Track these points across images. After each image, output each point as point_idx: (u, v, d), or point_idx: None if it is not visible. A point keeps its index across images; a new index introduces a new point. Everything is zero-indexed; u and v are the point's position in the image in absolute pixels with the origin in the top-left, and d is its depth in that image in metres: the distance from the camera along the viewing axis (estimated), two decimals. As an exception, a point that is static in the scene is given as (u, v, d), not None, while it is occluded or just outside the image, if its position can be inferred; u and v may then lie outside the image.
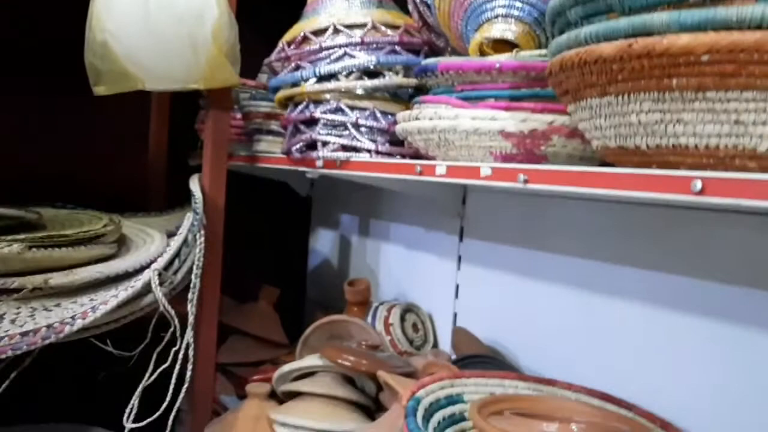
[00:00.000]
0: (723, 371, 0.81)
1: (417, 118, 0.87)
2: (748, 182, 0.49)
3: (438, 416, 0.82)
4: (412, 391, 0.83)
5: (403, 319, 1.26)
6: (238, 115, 1.45)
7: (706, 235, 0.84)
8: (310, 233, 1.87)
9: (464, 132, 0.80)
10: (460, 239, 1.29)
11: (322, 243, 1.82)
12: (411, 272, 1.44)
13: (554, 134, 0.77)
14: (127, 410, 0.95)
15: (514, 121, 0.78)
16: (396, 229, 1.52)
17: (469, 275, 1.27)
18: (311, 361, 1.10)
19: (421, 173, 0.89)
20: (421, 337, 1.27)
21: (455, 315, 1.29)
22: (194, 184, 1.17)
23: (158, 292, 0.96)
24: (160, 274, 0.99)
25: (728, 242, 0.81)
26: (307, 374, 1.12)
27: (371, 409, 1.08)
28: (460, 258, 1.29)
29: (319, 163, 1.04)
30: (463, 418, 0.84)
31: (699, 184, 0.51)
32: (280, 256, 1.83)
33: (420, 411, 0.78)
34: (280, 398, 1.14)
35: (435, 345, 1.31)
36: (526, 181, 0.71)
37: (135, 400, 0.95)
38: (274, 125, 1.43)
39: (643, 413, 0.85)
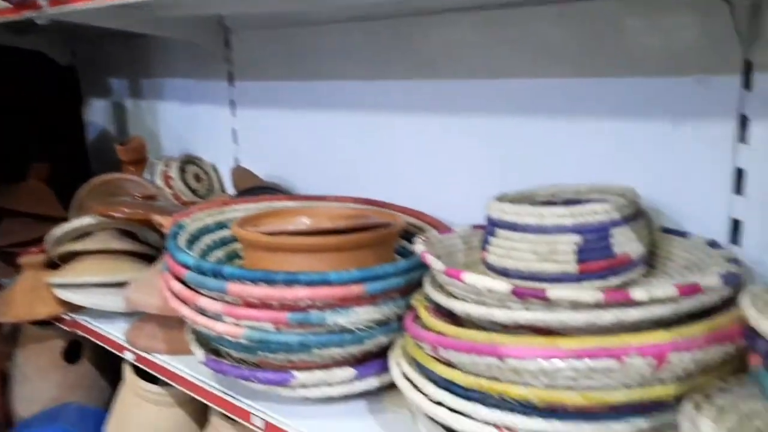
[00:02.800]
0: (491, 167, 0.89)
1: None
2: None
3: (206, 239, 0.84)
4: (176, 218, 0.83)
5: (183, 170, 1.24)
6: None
7: (449, 41, 0.90)
8: (82, 105, 1.73)
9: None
10: (231, 84, 1.26)
11: (97, 113, 1.70)
12: (189, 125, 1.41)
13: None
14: None
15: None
16: (168, 84, 1.45)
17: (246, 118, 1.26)
18: (82, 221, 1.06)
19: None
20: (205, 186, 1.26)
21: (237, 160, 1.29)
22: None
23: None
24: None
25: (470, 43, 0.88)
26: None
27: (157, 258, 1.07)
28: (233, 102, 1.27)
29: (44, 1, 0.94)
30: (233, 240, 0.86)
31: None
32: (50, 132, 1.68)
33: (184, 235, 0.79)
34: (59, 265, 1.10)
35: (222, 193, 1.32)
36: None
37: None
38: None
39: (404, 210, 0.92)
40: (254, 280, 0.65)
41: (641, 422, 0.51)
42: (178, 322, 0.85)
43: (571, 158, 0.80)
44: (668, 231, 0.69)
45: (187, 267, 0.69)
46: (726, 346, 0.48)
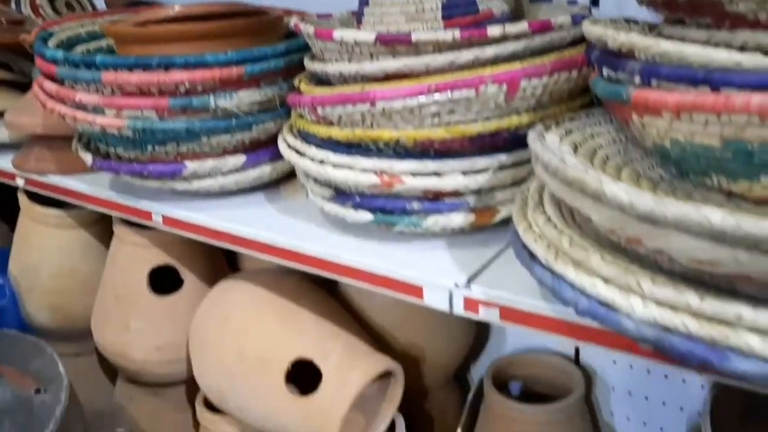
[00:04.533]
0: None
1: None
2: None
3: (79, 49, 0.80)
4: (45, 26, 0.79)
5: (52, -2, 1.15)
6: None
7: None
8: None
9: None
10: None
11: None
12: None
13: None
14: None
15: None
16: None
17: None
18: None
19: None
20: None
21: (110, -17, 1.21)
22: None
23: None
24: None
25: None
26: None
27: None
28: None
29: None
30: (111, 52, 0.83)
31: None
32: None
33: (53, 41, 0.76)
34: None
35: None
36: None
37: None
38: None
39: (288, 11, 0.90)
40: (129, 67, 0.64)
41: (503, 157, 0.56)
42: (65, 142, 0.84)
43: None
44: (535, 0, 0.72)
45: (57, 62, 0.67)
46: (572, 73, 0.53)
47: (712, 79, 0.35)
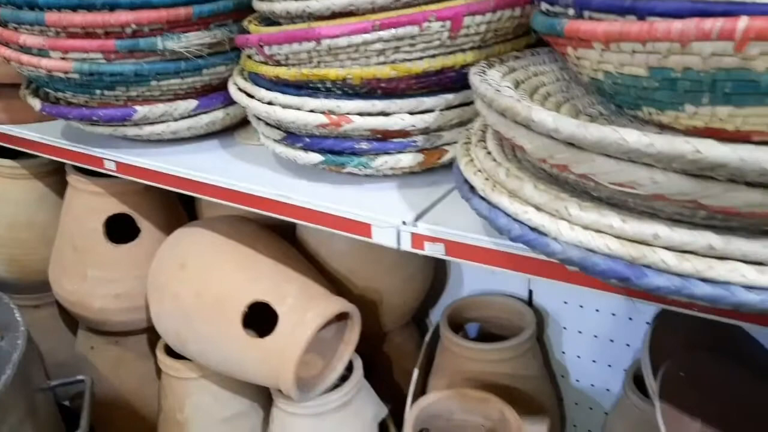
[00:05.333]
0: None
1: None
2: None
3: None
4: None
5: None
6: None
7: None
8: None
9: None
10: None
11: None
12: None
13: None
14: None
15: None
16: None
17: None
18: None
19: None
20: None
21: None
22: None
23: None
24: None
25: None
26: None
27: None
28: None
29: None
30: None
31: None
32: None
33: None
34: None
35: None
36: None
37: None
38: None
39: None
40: (73, 8, 0.62)
41: (450, 97, 0.57)
42: (14, 90, 0.82)
43: None
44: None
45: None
46: (515, 11, 0.53)
47: (637, 8, 0.36)
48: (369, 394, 0.83)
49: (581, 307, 0.92)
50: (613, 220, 0.36)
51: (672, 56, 0.36)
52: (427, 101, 0.56)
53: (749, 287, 0.32)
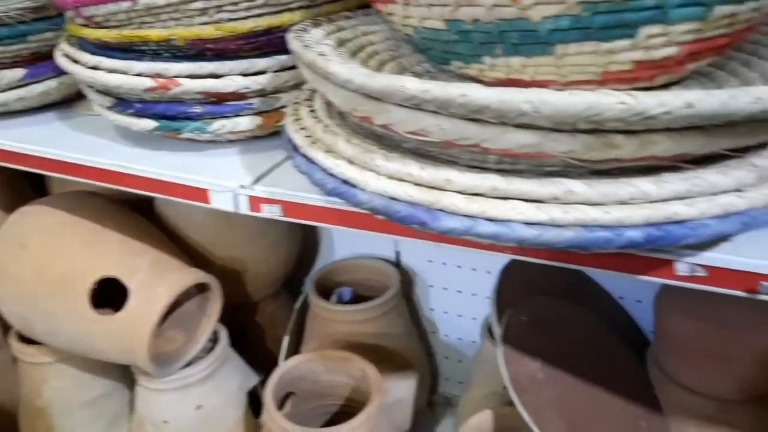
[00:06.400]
0: None
1: None
2: None
3: None
4: None
5: None
6: None
7: None
8: None
9: None
10: None
11: None
12: None
13: None
14: None
15: None
16: None
17: None
18: None
19: None
20: None
21: None
22: None
23: None
24: None
25: None
26: None
27: None
28: None
29: None
30: None
31: None
32: None
33: None
34: None
35: None
36: None
37: None
38: None
39: None
40: None
41: (284, 58, 0.56)
42: None
43: None
44: None
45: None
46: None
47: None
48: (236, 364, 0.82)
49: (444, 264, 0.96)
50: (412, 168, 0.37)
51: (461, 8, 0.37)
52: (260, 62, 0.55)
53: (528, 223, 0.34)
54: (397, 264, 0.98)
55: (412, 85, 0.32)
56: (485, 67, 0.42)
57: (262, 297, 0.94)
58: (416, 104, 0.34)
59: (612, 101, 0.29)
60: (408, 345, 0.90)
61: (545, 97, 0.29)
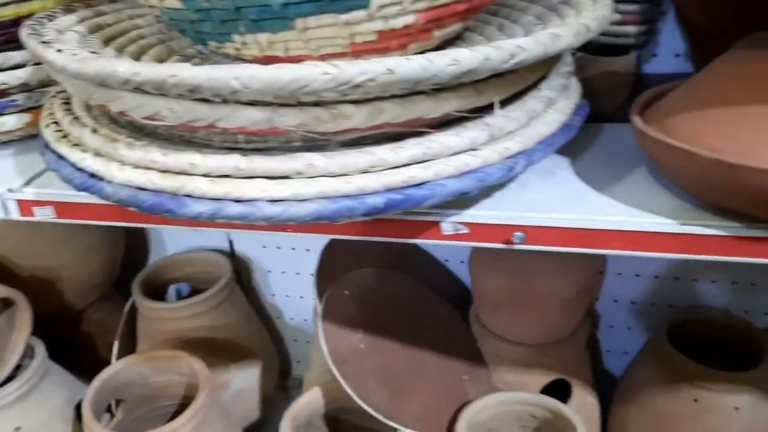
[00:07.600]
0: None
1: None
2: None
3: None
4: None
5: None
6: None
7: None
8: None
9: None
10: None
11: None
12: None
13: None
14: None
15: None
16: None
17: None
18: None
19: None
20: None
21: None
22: None
23: None
24: None
25: None
26: None
27: None
28: None
29: None
30: None
31: None
32: None
33: None
34: None
35: None
36: None
37: None
38: None
39: None
40: None
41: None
42: None
43: None
44: None
45: None
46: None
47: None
48: (60, 377, 0.77)
49: (279, 248, 0.95)
50: (155, 155, 0.36)
51: (189, -15, 0.36)
52: (16, 55, 0.51)
53: (273, 201, 0.34)
54: (231, 254, 0.96)
55: (123, 68, 0.31)
56: (238, 45, 0.41)
57: (88, 304, 0.89)
58: (134, 87, 0.32)
59: (317, 72, 0.29)
60: (247, 334, 0.88)
61: (253, 72, 0.29)
